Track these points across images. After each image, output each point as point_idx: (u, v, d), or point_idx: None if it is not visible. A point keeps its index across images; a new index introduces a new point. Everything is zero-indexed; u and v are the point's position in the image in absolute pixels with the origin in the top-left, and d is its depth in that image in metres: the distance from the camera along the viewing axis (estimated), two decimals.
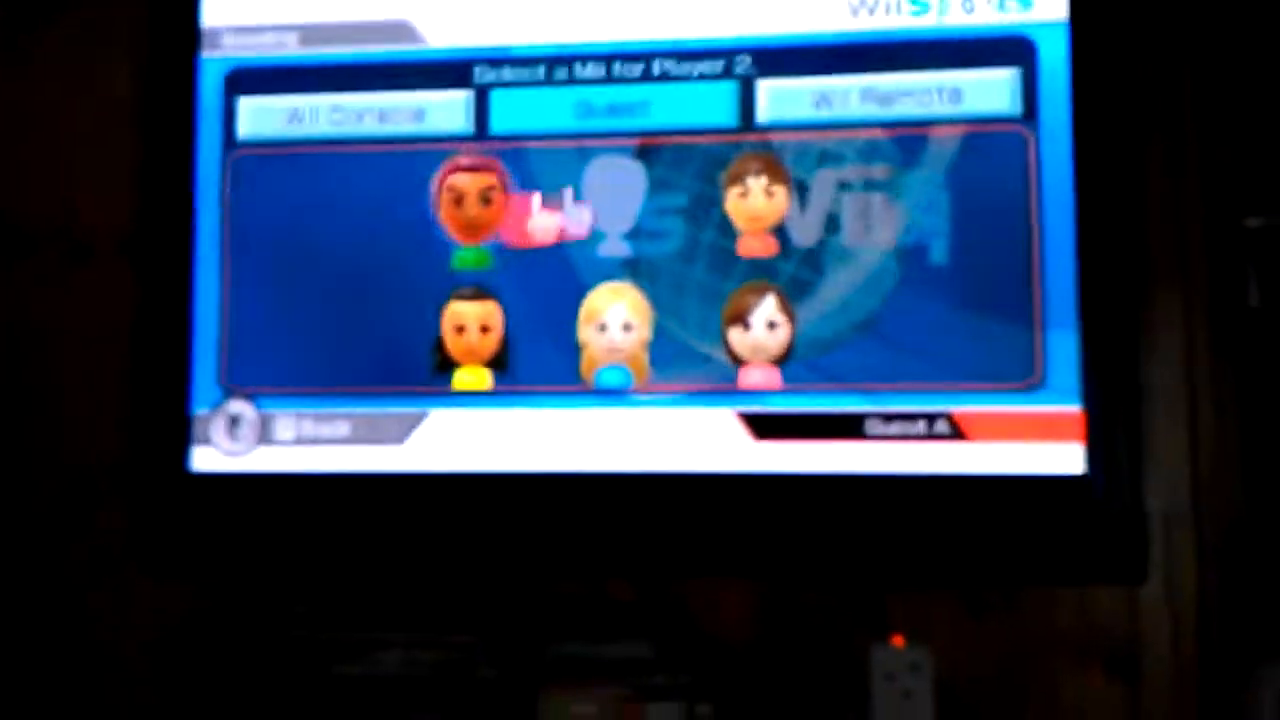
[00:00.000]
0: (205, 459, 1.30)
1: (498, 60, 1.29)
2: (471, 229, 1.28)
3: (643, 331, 1.24)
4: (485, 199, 1.28)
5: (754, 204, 1.23)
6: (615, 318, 1.25)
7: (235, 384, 1.30)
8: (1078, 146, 1.18)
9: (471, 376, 1.26)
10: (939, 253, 1.20)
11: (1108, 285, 1.17)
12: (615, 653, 1.19)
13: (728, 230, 1.24)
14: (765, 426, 1.21)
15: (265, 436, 1.30)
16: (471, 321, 1.26)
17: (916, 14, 1.23)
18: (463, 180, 1.28)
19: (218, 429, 1.31)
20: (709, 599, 1.24)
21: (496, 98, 1.28)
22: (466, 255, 1.28)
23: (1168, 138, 1.25)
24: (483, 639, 1.22)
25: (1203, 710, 1.17)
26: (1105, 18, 1.19)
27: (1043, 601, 1.21)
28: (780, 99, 1.24)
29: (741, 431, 1.22)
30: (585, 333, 1.25)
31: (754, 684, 1.20)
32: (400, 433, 1.28)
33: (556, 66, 1.28)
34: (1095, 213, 1.17)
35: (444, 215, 1.28)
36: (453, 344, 1.27)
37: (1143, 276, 1.20)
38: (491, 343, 1.26)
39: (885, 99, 1.22)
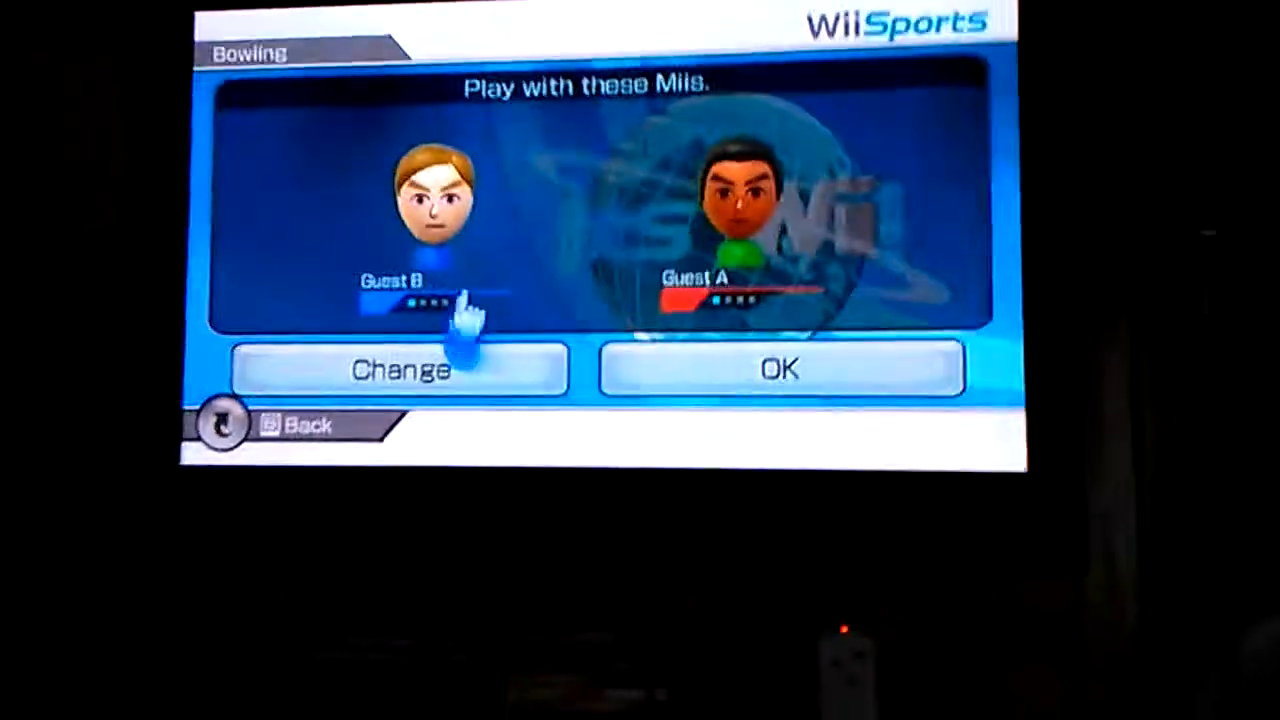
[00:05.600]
0: (194, 454, 1.36)
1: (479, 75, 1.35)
2: None
3: None
4: None
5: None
6: None
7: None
8: (1024, 159, 1.23)
9: None
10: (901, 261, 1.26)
11: (1052, 292, 1.22)
12: (579, 639, 1.24)
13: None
14: None
15: (251, 433, 1.36)
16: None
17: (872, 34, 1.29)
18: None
19: (206, 425, 1.37)
20: (670, 589, 1.30)
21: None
22: None
23: (1122, 149, 1.30)
24: (452, 626, 1.28)
25: (1141, 697, 1.22)
26: (1055, 35, 1.25)
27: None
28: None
29: None
30: None
31: (710, 670, 1.26)
32: (380, 430, 1.34)
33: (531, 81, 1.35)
34: (1041, 219, 1.23)
35: None
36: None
37: (1087, 283, 1.25)
38: None
39: None
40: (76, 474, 1.41)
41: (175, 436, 1.36)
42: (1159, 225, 1.30)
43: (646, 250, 1.30)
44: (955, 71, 1.26)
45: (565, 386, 1.31)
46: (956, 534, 1.21)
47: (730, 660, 1.26)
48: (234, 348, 1.37)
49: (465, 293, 1.31)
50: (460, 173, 1.35)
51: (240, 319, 1.37)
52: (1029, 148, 1.23)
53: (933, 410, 1.24)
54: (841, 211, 1.27)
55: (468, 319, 1.30)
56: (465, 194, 1.35)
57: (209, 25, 1.40)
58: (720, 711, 1.25)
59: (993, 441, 1.22)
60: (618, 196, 1.31)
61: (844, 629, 1.18)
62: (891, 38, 1.28)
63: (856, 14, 1.28)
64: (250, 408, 1.36)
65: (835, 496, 1.23)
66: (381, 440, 1.33)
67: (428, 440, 1.32)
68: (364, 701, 1.30)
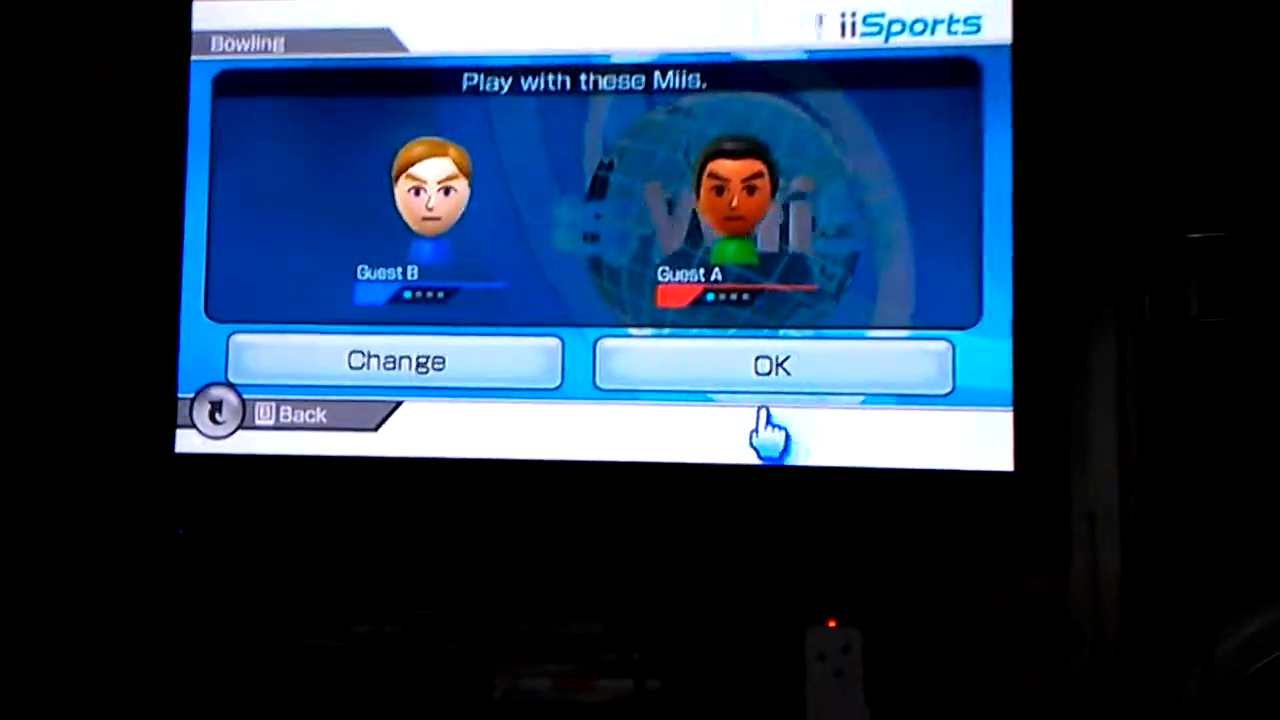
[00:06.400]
0: (188, 442, 1.37)
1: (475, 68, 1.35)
2: None
3: None
4: None
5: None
6: None
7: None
8: (1016, 160, 1.25)
9: None
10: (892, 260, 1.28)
11: (1041, 293, 1.24)
12: (569, 629, 1.26)
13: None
14: None
15: (245, 421, 1.37)
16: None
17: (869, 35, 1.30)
18: None
19: (201, 413, 1.38)
20: (660, 580, 1.32)
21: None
22: None
23: (1113, 151, 1.31)
24: (443, 614, 1.29)
25: (1125, 690, 1.25)
26: (1048, 39, 1.26)
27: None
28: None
29: None
30: None
31: (700, 661, 1.27)
32: (374, 420, 1.35)
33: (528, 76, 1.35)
34: (1032, 220, 1.25)
35: None
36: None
37: (1076, 286, 1.27)
38: None
39: None
40: (72, 460, 1.42)
41: (170, 424, 1.37)
42: (1148, 227, 1.32)
43: (641, 246, 1.32)
44: (949, 73, 1.27)
45: (559, 380, 1.32)
46: (944, 531, 1.23)
47: (720, 651, 1.28)
48: (229, 336, 1.37)
49: (766, 410, 1.26)
50: (457, 165, 1.36)
51: (236, 308, 1.37)
52: (1021, 149, 1.25)
53: (922, 409, 1.26)
54: (835, 210, 1.29)
55: (769, 436, 1.26)
56: (462, 187, 1.35)
57: (206, 14, 1.40)
58: (710, 702, 1.27)
59: (980, 440, 1.24)
60: (613, 191, 1.32)
61: (831, 622, 1.19)
62: (887, 39, 1.29)
63: (854, 15, 1.29)
64: (245, 396, 1.37)
65: (825, 492, 1.25)
66: (376, 430, 1.34)
67: (422, 431, 1.33)
68: (355, 688, 1.31)
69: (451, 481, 1.32)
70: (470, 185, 1.35)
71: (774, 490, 1.26)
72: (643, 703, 1.24)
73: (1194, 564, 1.25)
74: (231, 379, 1.37)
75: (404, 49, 1.37)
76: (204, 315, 1.38)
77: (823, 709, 1.17)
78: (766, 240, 1.30)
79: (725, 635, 1.29)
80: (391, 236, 1.36)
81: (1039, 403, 1.23)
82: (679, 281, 1.31)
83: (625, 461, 1.29)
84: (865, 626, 1.20)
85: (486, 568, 1.35)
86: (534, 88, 1.35)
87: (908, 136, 1.27)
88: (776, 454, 1.26)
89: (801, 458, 1.26)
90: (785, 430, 1.26)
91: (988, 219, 1.26)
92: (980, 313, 1.26)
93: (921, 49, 1.28)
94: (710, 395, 1.29)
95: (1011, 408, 1.23)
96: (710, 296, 1.30)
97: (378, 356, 1.35)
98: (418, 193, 1.36)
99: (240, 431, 1.36)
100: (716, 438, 1.28)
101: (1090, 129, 1.29)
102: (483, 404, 1.33)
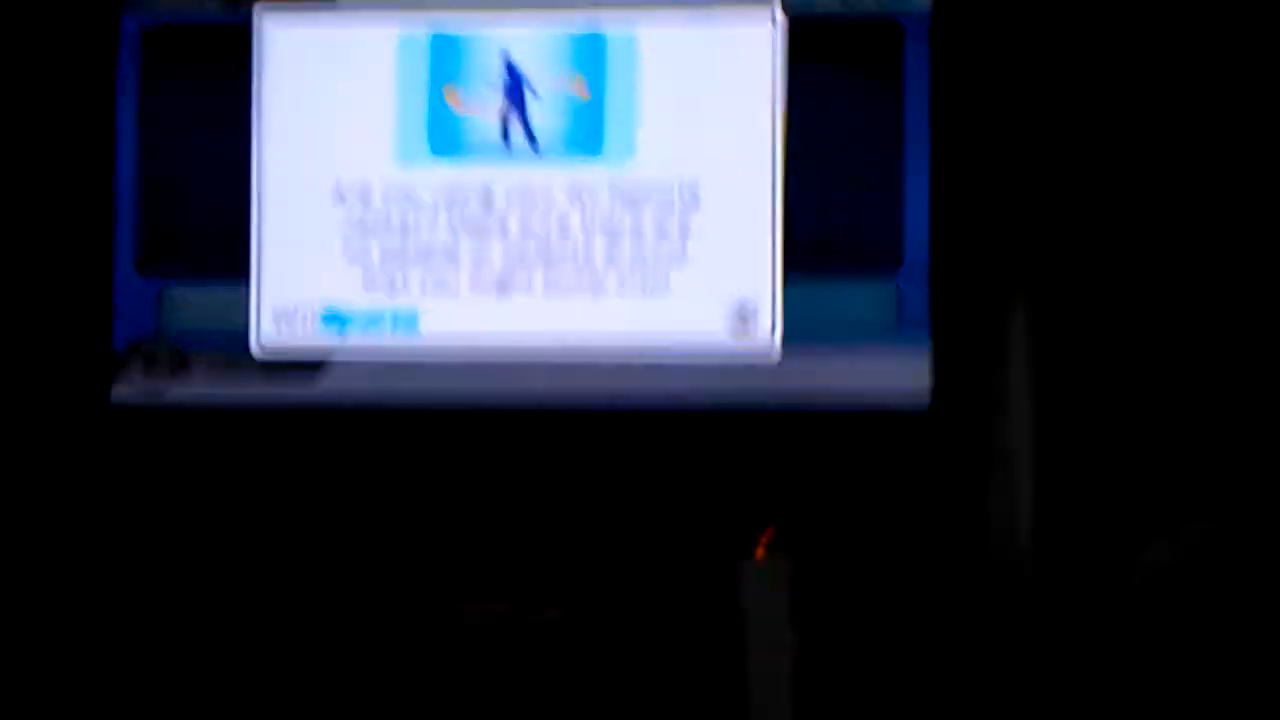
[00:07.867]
0: (124, 393, 1.37)
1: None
2: None
3: None
4: None
5: None
6: None
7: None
8: (934, 134, 1.29)
9: None
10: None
11: (956, 240, 1.29)
12: (505, 566, 1.29)
13: None
14: None
15: (181, 373, 1.37)
16: None
17: None
18: None
19: (135, 365, 1.38)
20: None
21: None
22: None
23: (1032, 114, 1.35)
24: (389, 553, 1.31)
25: (1039, 618, 1.30)
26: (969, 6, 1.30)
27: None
28: None
29: None
30: None
31: (629, 592, 1.31)
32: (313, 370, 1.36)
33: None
34: (949, 172, 1.30)
35: None
36: None
37: (993, 233, 1.32)
38: None
39: None
40: (4, 416, 1.41)
41: (106, 377, 1.37)
42: (1069, 191, 1.35)
43: None
44: (871, 37, 1.31)
45: None
46: (863, 468, 1.28)
47: (650, 583, 1.32)
48: (162, 289, 1.37)
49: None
50: None
51: (169, 261, 1.37)
52: (939, 110, 1.29)
53: (842, 351, 1.30)
54: None
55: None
56: None
57: None
58: (637, 633, 1.30)
59: (897, 379, 1.28)
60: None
61: (760, 552, 1.24)
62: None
63: None
64: (180, 347, 1.37)
65: (749, 433, 1.29)
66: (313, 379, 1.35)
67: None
68: (288, 648, 1.32)
69: (396, 431, 1.34)
70: None
71: (696, 431, 1.30)
72: (580, 633, 1.27)
73: (1108, 492, 1.31)
74: (166, 331, 1.37)
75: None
76: (137, 268, 1.38)
77: (752, 638, 1.21)
78: None
79: (657, 567, 1.32)
80: None
81: (955, 342, 1.28)
82: None
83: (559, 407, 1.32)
84: (795, 558, 1.25)
85: (428, 509, 1.37)
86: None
87: (830, 102, 1.31)
88: None
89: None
90: None
91: (909, 160, 1.30)
92: (901, 258, 1.30)
93: (842, 13, 1.32)
94: None
95: (930, 346, 1.29)
96: None
97: None
98: None
99: (176, 384, 1.37)
100: None
101: (1012, 89, 1.33)
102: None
